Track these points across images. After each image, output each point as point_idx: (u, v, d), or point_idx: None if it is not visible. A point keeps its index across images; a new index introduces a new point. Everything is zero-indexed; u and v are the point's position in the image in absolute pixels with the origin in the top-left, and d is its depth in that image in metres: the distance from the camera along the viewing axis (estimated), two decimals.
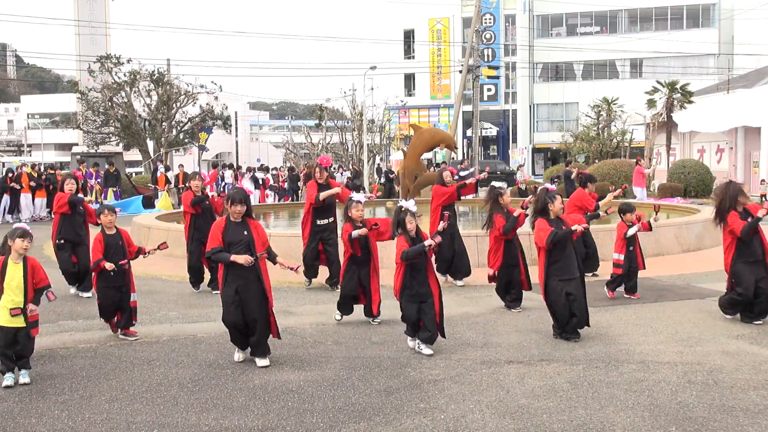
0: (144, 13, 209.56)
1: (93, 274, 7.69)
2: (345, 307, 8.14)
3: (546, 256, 7.30)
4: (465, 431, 5.01)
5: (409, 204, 7.01)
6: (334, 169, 33.74)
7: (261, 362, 6.57)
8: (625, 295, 9.35)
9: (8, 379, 6.08)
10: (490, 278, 8.85)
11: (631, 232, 9.27)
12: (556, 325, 7.39)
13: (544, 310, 7.76)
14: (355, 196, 7.85)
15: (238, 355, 6.75)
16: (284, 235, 12.40)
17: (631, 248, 9.32)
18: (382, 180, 32.34)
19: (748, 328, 7.71)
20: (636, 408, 5.38)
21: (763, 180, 30.60)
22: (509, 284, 8.71)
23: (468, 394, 5.71)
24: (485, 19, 50.90)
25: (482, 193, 13.04)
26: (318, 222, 9.86)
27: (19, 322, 6.11)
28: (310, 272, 10.16)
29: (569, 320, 7.25)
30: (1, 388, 5.99)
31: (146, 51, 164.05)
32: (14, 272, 6.12)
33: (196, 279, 10.16)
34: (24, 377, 6.16)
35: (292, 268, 6.72)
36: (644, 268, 9.61)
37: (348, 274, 8.00)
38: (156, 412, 5.42)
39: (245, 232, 6.59)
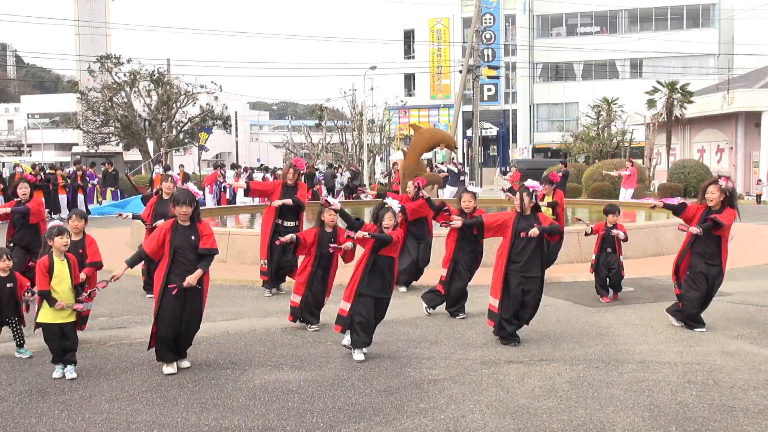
0: (144, 13, 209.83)
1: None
2: (314, 315, 7.89)
3: (507, 253, 7.14)
4: (465, 431, 5.01)
5: (394, 203, 6.92)
6: (335, 168, 33.72)
7: (183, 363, 6.49)
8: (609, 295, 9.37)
9: (58, 371, 6.22)
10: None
11: (586, 229, 9.29)
12: (504, 323, 7.16)
13: (543, 310, 7.75)
14: (331, 199, 7.75)
15: (169, 368, 6.34)
16: None
17: (609, 249, 9.28)
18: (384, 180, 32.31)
19: (748, 328, 7.71)
20: (636, 408, 5.38)
21: (759, 180, 30.61)
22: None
23: (468, 394, 5.71)
24: (485, 19, 50.94)
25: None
26: (285, 224, 9.54)
27: (71, 317, 6.26)
28: (279, 278, 9.81)
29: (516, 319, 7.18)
30: (3, 387, 6.00)
31: (146, 51, 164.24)
32: (62, 269, 6.28)
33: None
34: (71, 373, 6.23)
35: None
36: (622, 275, 9.51)
37: (313, 279, 7.72)
38: (156, 412, 5.42)
39: (192, 237, 6.35)
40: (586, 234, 9.47)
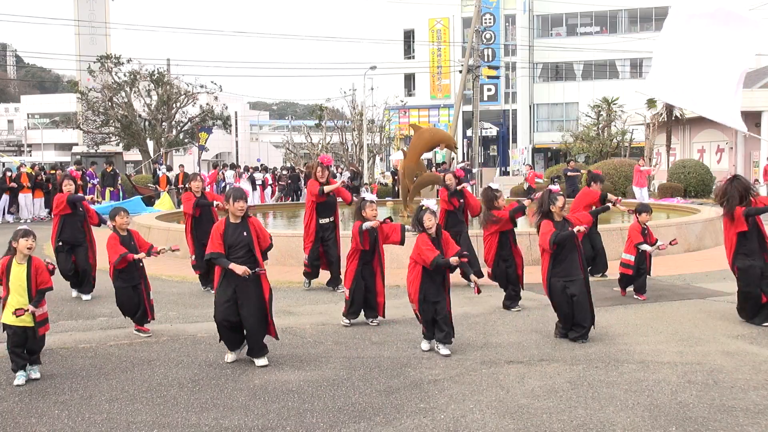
0: (144, 13, 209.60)
1: (110, 274, 7.69)
2: (354, 312, 8.02)
3: (550, 257, 7.26)
4: (465, 431, 5.01)
5: (430, 203, 7.01)
6: (335, 167, 33.73)
7: (259, 362, 6.56)
8: (635, 296, 9.31)
9: (20, 377, 6.11)
10: (490, 276, 8.89)
11: (645, 248, 9.18)
12: (561, 325, 7.35)
13: (544, 310, 7.75)
14: (368, 195, 7.91)
15: (229, 356, 6.71)
16: (284, 235, 12.40)
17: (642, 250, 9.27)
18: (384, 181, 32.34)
19: (748, 328, 7.71)
20: (636, 408, 5.38)
21: (756, 180, 30.69)
22: (506, 281, 8.70)
23: (468, 394, 5.72)
24: (485, 19, 50.88)
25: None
26: (320, 221, 9.81)
27: (28, 322, 6.14)
28: (313, 273, 10.07)
29: (573, 320, 7.25)
30: (3, 387, 6.00)
31: (146, 51, 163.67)
32: (18, 272, 6.13)
33: (204, 279, 10.17)
34: (34, 373, 6.21)
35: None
36: (650, 275, 9.58)
37: (356, 278, 7.87)
38: (156, 412, 5.42)
39: (245, 233, 6.54)
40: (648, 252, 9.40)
